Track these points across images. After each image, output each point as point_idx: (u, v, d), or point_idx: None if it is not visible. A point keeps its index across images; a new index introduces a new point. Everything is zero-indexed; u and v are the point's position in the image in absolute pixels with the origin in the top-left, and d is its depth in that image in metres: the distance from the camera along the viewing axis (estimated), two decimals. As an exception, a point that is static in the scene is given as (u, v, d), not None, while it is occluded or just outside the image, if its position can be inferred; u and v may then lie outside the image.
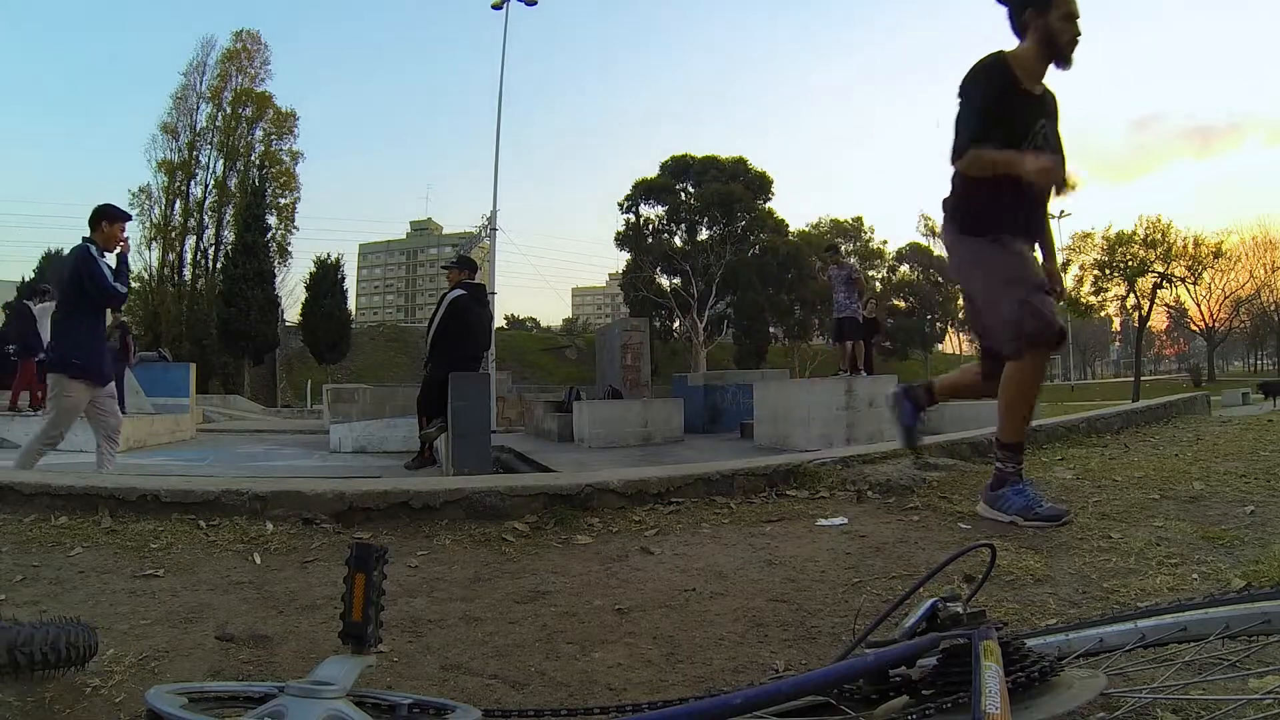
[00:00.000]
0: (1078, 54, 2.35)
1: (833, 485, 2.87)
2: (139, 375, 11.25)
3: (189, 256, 35.26)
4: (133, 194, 34.02)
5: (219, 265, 34.75)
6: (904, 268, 54.38)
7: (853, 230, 54.11)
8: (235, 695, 0.94)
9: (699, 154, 41.15)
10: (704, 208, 39.35)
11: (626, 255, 41.28)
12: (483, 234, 23.56)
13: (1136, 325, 28.82)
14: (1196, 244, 25.73)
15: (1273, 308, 43.12)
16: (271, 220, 35.29)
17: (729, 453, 6.93)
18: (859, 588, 1.80)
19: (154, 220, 34.13)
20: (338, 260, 36.06)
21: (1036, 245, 2.51)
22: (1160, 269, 25.55)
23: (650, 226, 40.81)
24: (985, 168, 2.29)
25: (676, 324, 41.13)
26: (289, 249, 36.74)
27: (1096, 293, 27.49)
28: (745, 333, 39.24)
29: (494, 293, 21.13)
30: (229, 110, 35.50)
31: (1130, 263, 25.68)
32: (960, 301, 53.89)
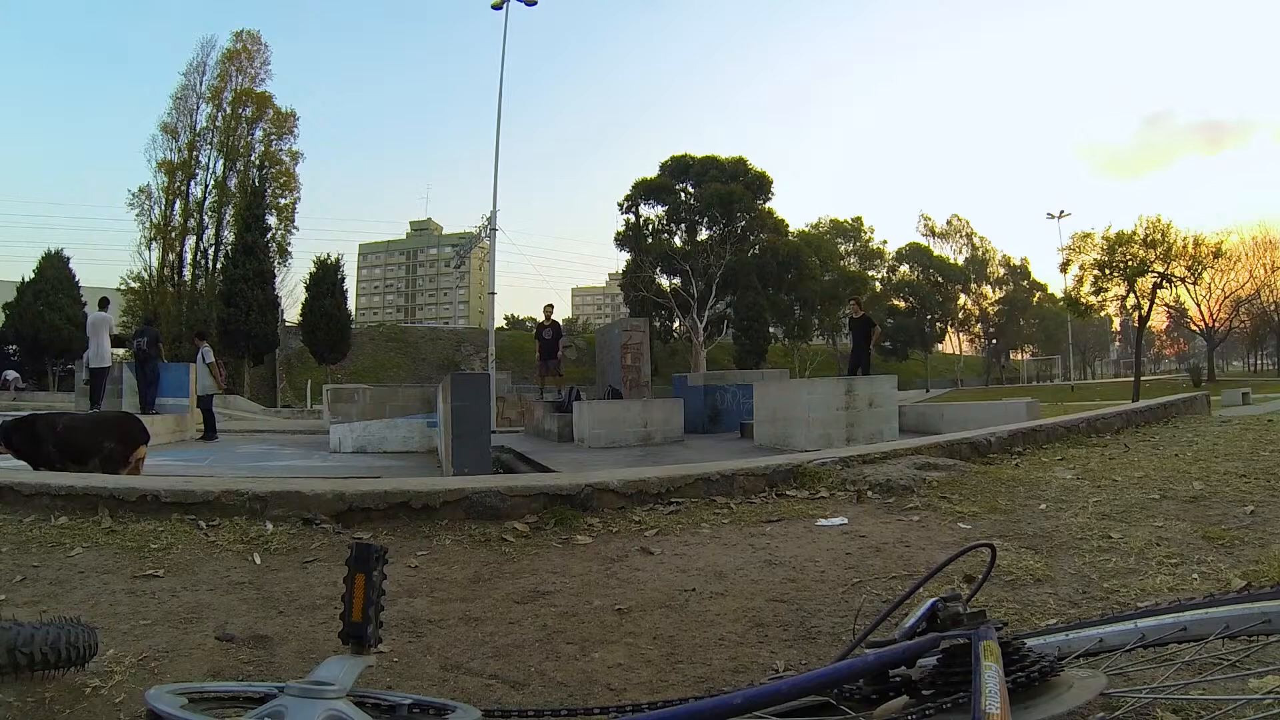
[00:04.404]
0: None
1: (833, 485, 2.86)
2: (137, 375, 11.17)
3: (189, 257, 35.14)
4: (133, 194, 34.00)
5: (219, 265, 34.64)
6: (904, 268, 54.37)
7: (853, 230, 54.15)
8: (235, 695, 0.94)
9: (699, 154, 41.17)
10: (704, 208, 39.31)
11: (626, 255, 41.23)
12: (483, 234, 23.56)
13: (1136, 325, 28.74)
14: (1196, 244, 25.64)
15: (1273, 308, 43.06)
16: (271, 220, 35.20)
17: (729, 453, 6.92)
18: (859, 588, 1.80)
19: (154, 220, 34.02)
20: (338, 260, 35.98)
21: None
22: (1160, 269, 25.47)
23: (650, 226, 40.75)
24: None
25: (676, 324, 41.08)
26: (289, 249, 36.64)
27: (1096, 293, 27.37)
28: (745, 333, 39.15)
29: (494, 292, 21.14)
30: (229, 110, 35.40)
31: (1130, 263, 25.59)
32: (961, 301, 54.08)
